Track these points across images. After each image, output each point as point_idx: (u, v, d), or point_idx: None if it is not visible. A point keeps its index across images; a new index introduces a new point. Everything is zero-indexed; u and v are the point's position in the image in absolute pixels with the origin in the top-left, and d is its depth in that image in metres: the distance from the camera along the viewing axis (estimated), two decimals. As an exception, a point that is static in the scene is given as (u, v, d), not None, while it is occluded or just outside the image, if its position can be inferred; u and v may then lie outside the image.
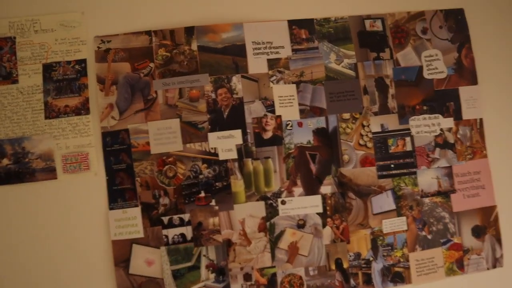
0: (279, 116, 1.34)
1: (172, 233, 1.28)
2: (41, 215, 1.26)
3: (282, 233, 1.31)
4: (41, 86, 1.31)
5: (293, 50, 1.37)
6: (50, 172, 1.28)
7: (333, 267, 1.32)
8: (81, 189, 1.28)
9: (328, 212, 1.33)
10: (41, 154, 1.29)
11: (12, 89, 1.30)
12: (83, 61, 1.32)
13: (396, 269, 1.35)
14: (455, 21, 1.45)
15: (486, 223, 1.40)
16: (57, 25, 1.33)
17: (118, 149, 1.30)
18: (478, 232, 1.40)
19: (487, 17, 1.48)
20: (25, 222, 1.26)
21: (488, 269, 1.39)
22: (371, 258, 1.34)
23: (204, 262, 1.28)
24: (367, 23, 1.41)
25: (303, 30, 1.38)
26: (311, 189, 1.34)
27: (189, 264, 1.28)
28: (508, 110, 1.47)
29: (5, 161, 1.27)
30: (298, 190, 1.33)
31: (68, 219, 1.27)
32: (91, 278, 1.26)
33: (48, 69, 1.31)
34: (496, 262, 1.40)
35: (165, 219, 1.28)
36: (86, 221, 1.28)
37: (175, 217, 1.28)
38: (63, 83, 1.31)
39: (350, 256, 1.33)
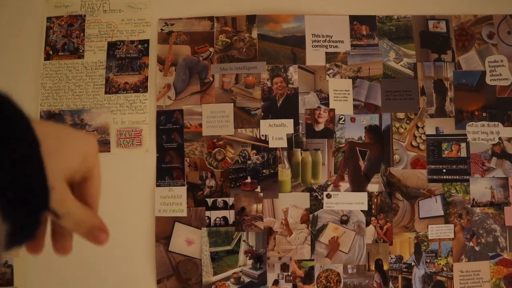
0: (333, 110, 1.34)
1: (214, 215, 1.29)
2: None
3: (324, 226, 1.30)
4: (105, 62, 1.37)
5: (352, 45, 1.36)
6: (104, 145, 1.34)
7: (373, 267, 1.29)
8: (131, 164, 1.33)
9: (373, 211, 1.31)
10: (98, 126, 1.35)
11: (77, 63, 1.38)
12: (146, 41, 1.38)
13: (439, 277, 1.30)
14: (525, 27, 1.40)
15: (541, 242, 1.33)
16: (125, 6, 1.40)
17: (171, 128, 1.33)
18: (531, 250, 1.33)
19: (557, 27, 1.41)
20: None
21: (538, 290, 1.32)
22: (413, 263, 1.30)
23: (243, 247, 1.29)
24: (431, 23, 1.38)
25: (364, 26, 1.37)
26: (358, 185, 1.32)
27: (228, 247, 1.29)
28: None
29: (64, 131, 1.34)
30: (345, 185, 1.32)
31: (116, 191, 1.31)
32: (132, 250, 1.29)
33: (112, 47, 1.38)
34: (547, 284, 1.32)
35: (209, 201, 1.30)
36: (133, 195, 1.32)
37: (220, 199, 1.30)
38: (125, 61, 1.37)
39: (392, 258, 1.30)
